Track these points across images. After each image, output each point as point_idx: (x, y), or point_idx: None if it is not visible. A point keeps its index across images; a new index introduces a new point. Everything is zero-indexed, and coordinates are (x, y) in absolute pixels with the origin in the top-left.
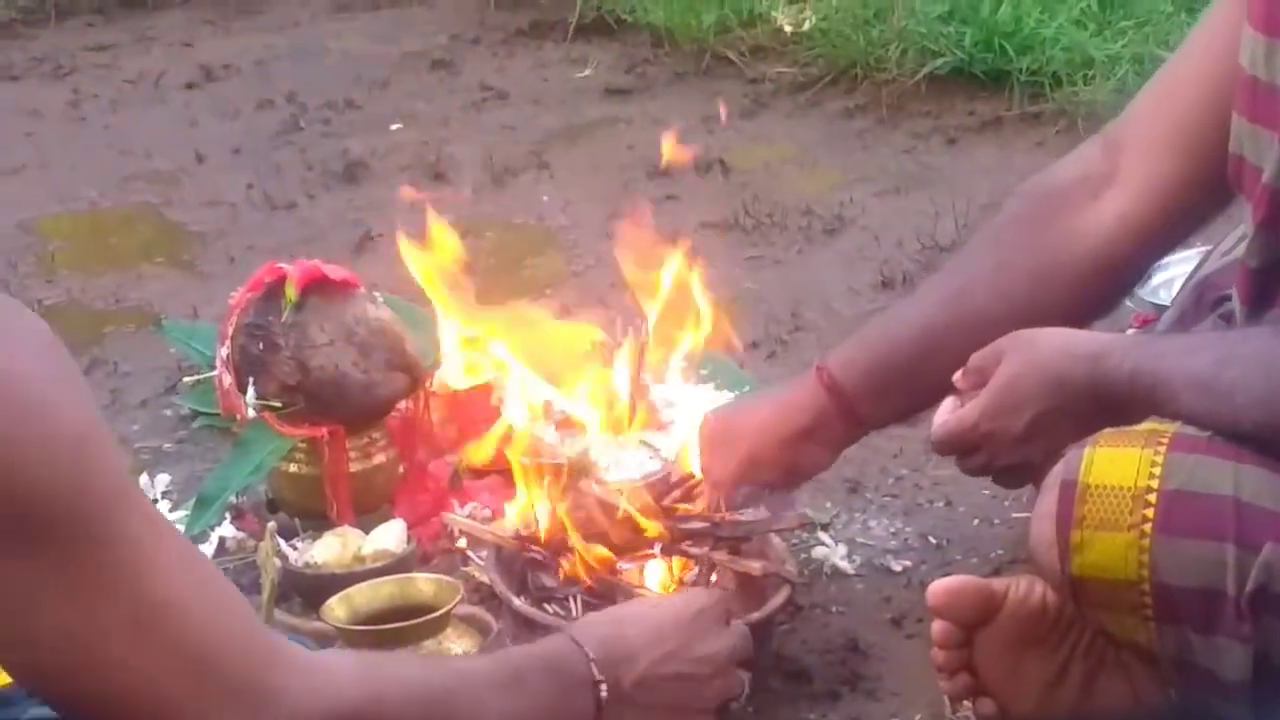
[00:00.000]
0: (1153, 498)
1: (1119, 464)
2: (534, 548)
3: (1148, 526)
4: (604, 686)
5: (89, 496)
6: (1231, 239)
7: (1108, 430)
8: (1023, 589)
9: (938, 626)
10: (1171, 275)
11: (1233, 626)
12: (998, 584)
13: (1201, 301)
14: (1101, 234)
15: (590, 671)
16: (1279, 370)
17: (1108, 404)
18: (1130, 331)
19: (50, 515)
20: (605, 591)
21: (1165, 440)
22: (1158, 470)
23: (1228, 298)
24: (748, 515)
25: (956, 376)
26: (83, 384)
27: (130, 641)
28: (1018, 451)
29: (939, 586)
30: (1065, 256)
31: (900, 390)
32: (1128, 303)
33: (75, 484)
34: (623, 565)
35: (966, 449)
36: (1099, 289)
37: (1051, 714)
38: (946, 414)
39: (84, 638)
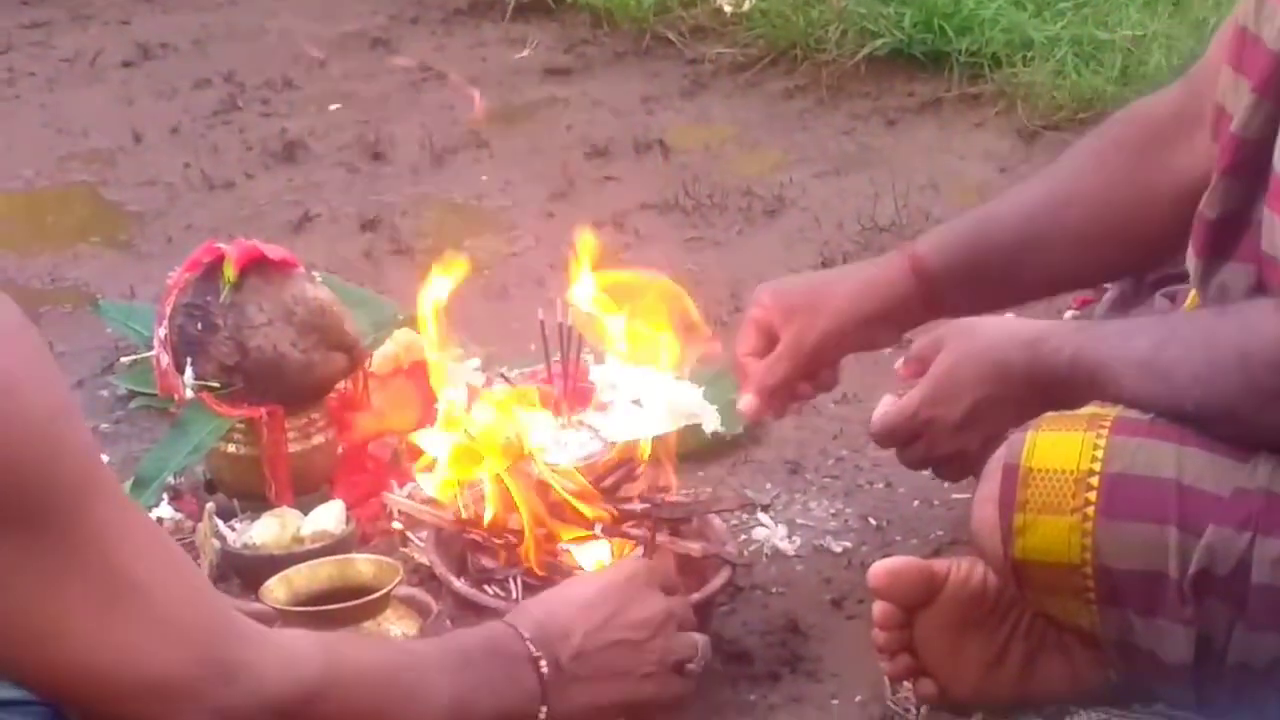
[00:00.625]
0: (1095, 481)
1: (1061, 448)
2: (474, 529)
3: (1090, 510)
4: (544, 663)
5: (58, 478)
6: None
7: (1049, 414)
8: (964, 570)
9: (878, 607)
10: None
11: (1175, 609)
12: (939, 565)
13: (1142, 282)
14: (1195, 170)
15: (528, 649)
16: (1219, 350)
17: (1048, 389)
18: (1069, 312)
19: (20, 496)
20: (546, 573)
21: (1107, 424)
22: (1100, 454)
23: (1170, 279)
24: (687, 496)
25: (898, 364)
26: (52, 365)
27: (101, 619)
28: (957, 439)
29: (880, 567)
30: (1164, 188)
31: (987, 287)
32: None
33: (44, 466)
34: (563, 546)
35: (906, 439)
36: (1188, 222)
37: (992, 695)
38: (886, 406)
39: (55, 617)
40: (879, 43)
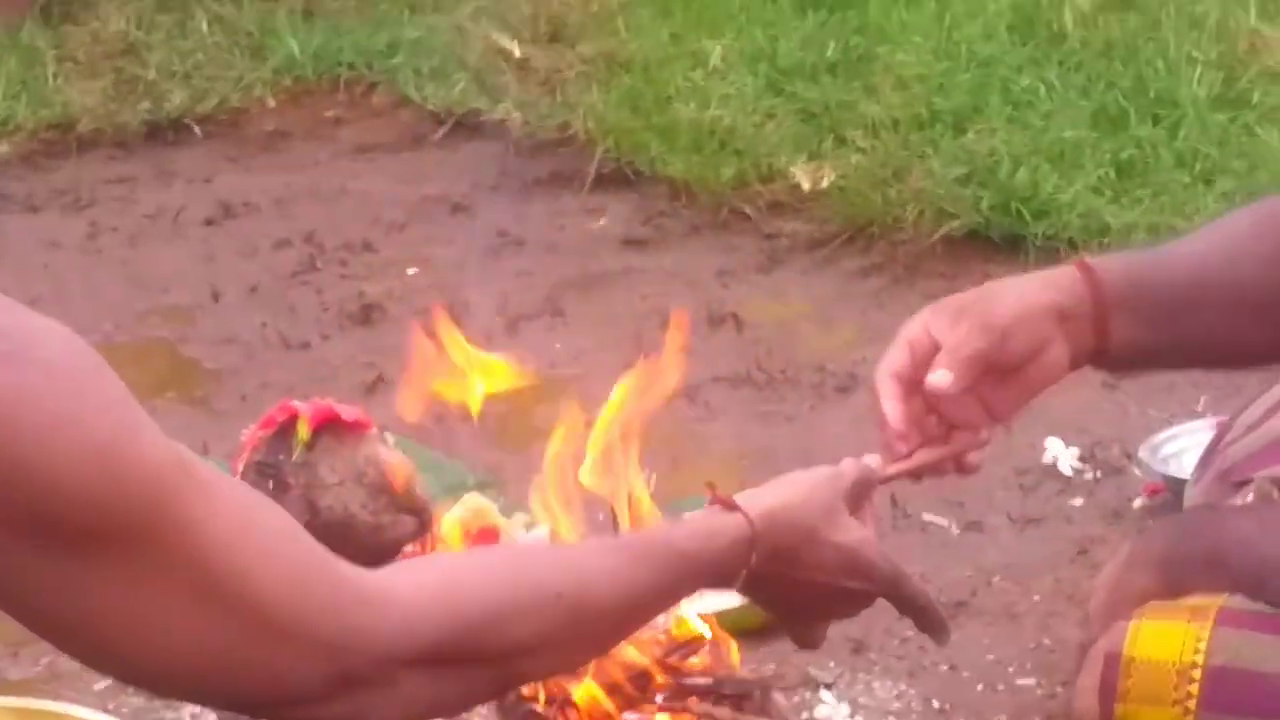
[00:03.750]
0: (1197, 673)
1: (1164, 638)
2: (533, 700)
3: (1191, 703)
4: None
5: (127, 499)
6: (1258, 409)
7: (1153, 603)
8: None
9: None
10: (1182, 446)
11: None
12: None
13: (1226, 484)
14: None
15: (750, 536)
16: None
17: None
18: (1138, 501)
19: (96, 519)
20: None
21: (1211, 615)
22: (1203, 645)
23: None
24: (750, 672)
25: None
26: (114, 387)
27: (198, 619)
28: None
29: None
30: None
31: (1153, 315)
32: (1135, 470)
33: (109, 490)
34: (625, 715)
35: None
36: None
37: None
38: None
39: (153, 623)
40: (956, 224)
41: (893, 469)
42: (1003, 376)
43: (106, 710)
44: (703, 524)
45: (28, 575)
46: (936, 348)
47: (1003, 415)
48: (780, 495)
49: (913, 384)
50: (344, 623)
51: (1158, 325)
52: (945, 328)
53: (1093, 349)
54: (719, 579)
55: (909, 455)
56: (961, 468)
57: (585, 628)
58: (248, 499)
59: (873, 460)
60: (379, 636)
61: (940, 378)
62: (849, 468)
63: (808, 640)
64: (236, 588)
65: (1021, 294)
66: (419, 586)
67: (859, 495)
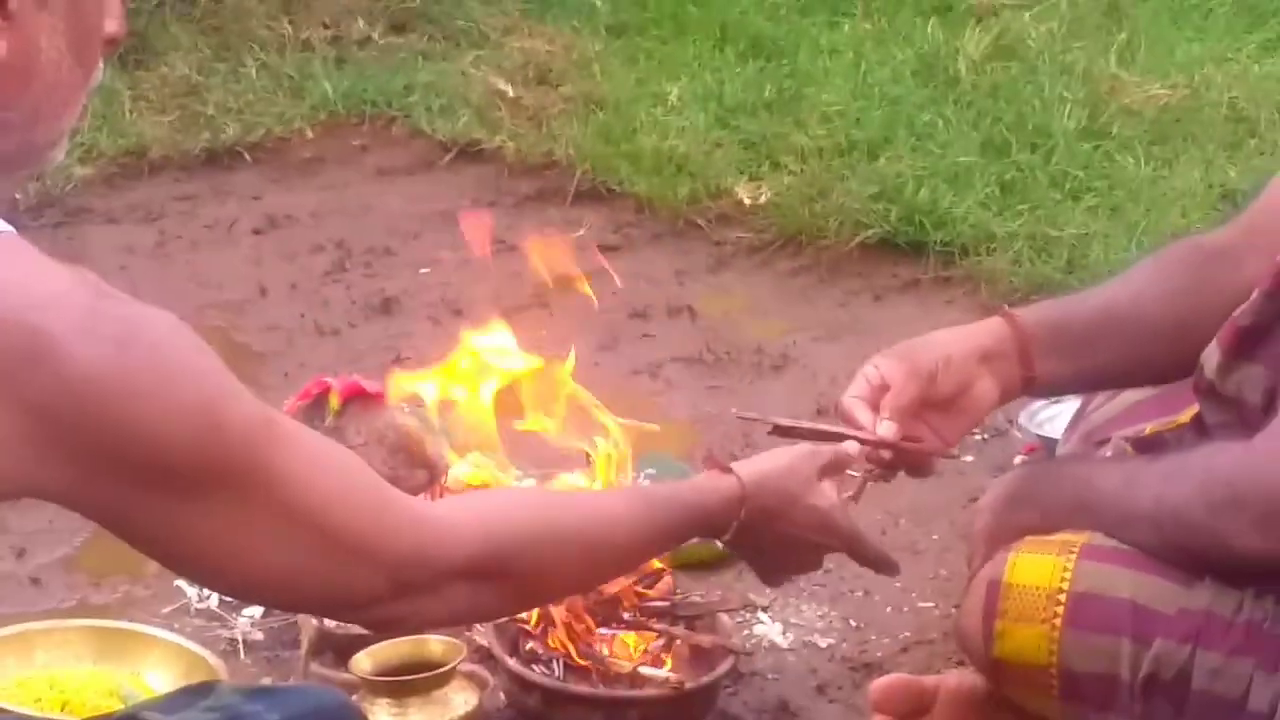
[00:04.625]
0: (1063, 597)
1: (1037, 568)
2: (525, 620)
3: (1058, 621)
4: (744, 510)
5: (226, 448)
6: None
7: (1029, 538)
8: (952, 684)
9: (879, 718)
10: (1053, 413)
11: (1126, 706)
12: (929, 681)
13: (1089, 444)
14: (1239, 296)
15: (741, 494)
16: (1184, 490)
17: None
18: (1018, 459)
19: (198, 467)
20: (582, 658)
21: (1075, 549)
22: (1068, 575)
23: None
24: (700, 597)
25: None
26: (207, 355)
27: (287, 543)
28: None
29: (876, 686)
30: (1215, 305)
31: (1066, 353)
32: (1016, 433)
33: (210, 441)
34: (600, 632)
35: None
36: None
37: None
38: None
39: (247, 547)
40: (869, 233)
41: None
42: (942, 409)
43: (172, 629)
44: (704, 483)
45: (150, 517)
46: (884, 381)
47: (950, 440)
48: (767, 464)
49: (872, 406)
50: (403, 542)
51: (1075, 357)
52: (890, 369)
53: (1020, 381)
54: (712, 530)
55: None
56: (919, 468)
57: (602, 557)
58: (324, 446)
59: (851, 446)
60: (430, 553)
61: (885, 429)
62: (825, 449)
63: (774, 583)
64: (319, 517)
65: (948, 342)
66: (463, 513)
67: (832, 470)
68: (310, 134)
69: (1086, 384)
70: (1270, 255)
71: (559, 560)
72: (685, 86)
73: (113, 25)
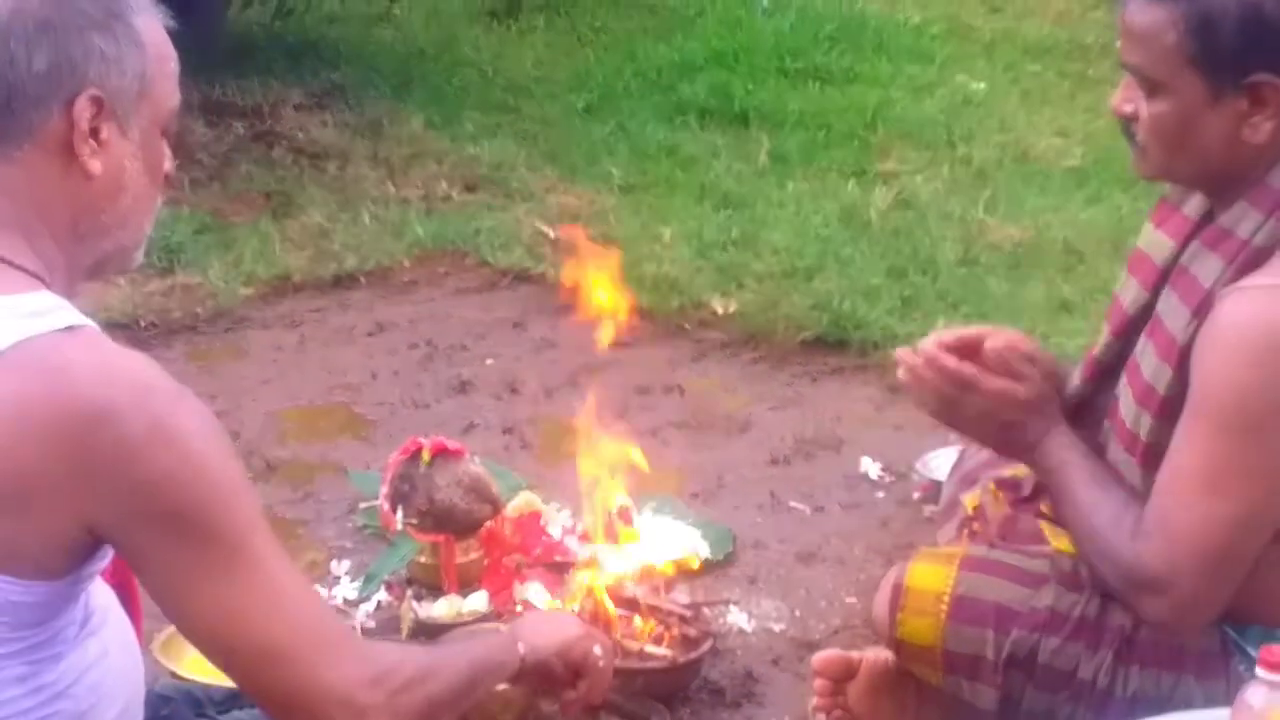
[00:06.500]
0: (946, 598)
1: (929, 575)
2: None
3: (943, 615)
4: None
5: (231, 518)
6: None
7: (924, 550)
8: (871, 657)
9: (818, 683)
10: (940, 461)
11: (990, 678)
12: (855, 655)
13: (966, 484)
14: None
15: (517, 645)
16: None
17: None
18: (916, 494)
19: (207, 526)
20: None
21: (957, 562)
22: (951, 581)
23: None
24: (688, 596)
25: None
26: (232, 448)
27: (261, 622)
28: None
29: (816, 658)
30: None
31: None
32: (914, 476)
33: (223, 506)
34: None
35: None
36: None
37: None
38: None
39: (238, 612)
40: (807, 333)
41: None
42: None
43: None
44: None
45: (160, 562)
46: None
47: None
48: (547, 639)
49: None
50: (353, 646)
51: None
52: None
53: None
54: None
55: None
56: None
57: (465, 690)
58: (293, 567)
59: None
60: (372, 654)
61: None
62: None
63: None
64: (290, 608)
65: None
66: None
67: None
68: (407, 264)
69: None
70: None
71: (451, 692)
72: (675, 229)
73: (168, 165)
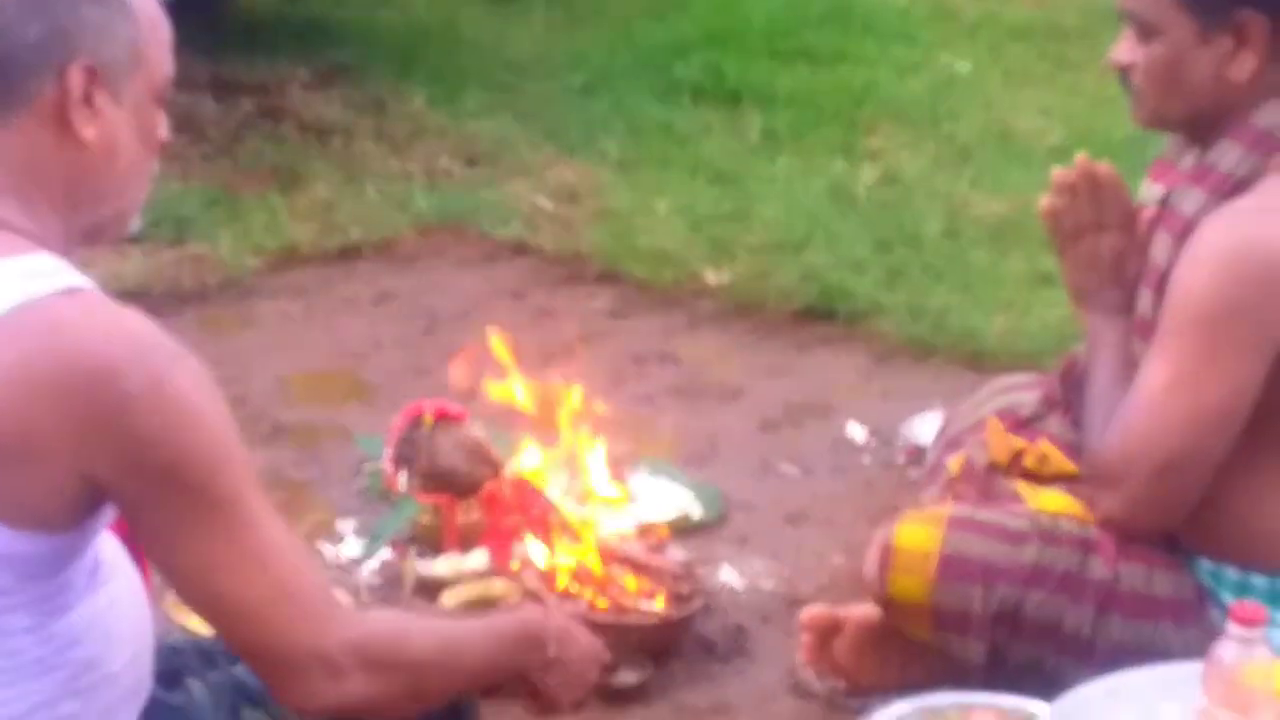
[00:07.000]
0: (934, 556)
1: (917, 534)
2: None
3: (931, 573)
4: (551, 647)
5: (226, 475)
6: (968, 404)
7: (910, 511)
8: (858, 614)
9: (806, 638)
10: (925, 426)
11: (979, 633)
12: (842, 611)
13: (949, 449)
14: None
15: (548, 636)
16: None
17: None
18: (901, 459)
19: (201, 482)
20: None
21: (944, 521)
22: (938, 540)
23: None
24: (684, 555)
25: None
26: (224, 406)
27: (243, 578)
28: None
29: (804, 614)
30: None
31: None
32: (899, 441)
33: (217, 464)
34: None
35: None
36: None
37: (881, 685)
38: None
39: (223, 565)
40: (796, 303)
41: None
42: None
43: None
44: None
45: (154, 517)
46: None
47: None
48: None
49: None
50: (330, 608)
51: None
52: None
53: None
54: (532, 643)
55: None
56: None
57: (456, 666)
58: (285, 527)
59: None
60: (350, 620)
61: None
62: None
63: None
64: (274, 565)
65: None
66: (377, 612)
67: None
68: (410, 236)
69: None
70: None
71: (429, 660)
72: (669, 203)
73: (163, 132)
